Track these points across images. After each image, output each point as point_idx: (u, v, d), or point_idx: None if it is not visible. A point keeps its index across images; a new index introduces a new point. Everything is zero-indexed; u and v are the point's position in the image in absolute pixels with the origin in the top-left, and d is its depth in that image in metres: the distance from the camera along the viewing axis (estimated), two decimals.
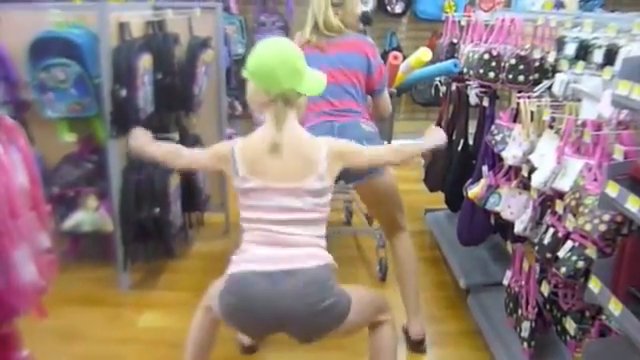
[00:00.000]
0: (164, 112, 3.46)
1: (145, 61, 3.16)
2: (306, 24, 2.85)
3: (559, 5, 5.64)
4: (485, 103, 3.17)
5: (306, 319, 1.98)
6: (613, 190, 1.71)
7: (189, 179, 3.64)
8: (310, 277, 1.97)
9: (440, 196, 3.84)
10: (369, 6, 5.56)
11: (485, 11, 5.01)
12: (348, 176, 2.71)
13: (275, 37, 2.15)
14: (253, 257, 2.01)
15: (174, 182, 3.40)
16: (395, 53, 3.26)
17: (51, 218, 3.25)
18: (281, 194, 2.01)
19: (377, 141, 2.78)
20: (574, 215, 2.02)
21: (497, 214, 2.81)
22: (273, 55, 2.03)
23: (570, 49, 2.39)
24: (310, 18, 2.85)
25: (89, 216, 3.32)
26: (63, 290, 3.29)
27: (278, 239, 2.02)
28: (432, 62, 3.55)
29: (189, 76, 3.48)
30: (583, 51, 2.33)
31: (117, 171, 3.23)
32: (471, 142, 3.54)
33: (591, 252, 1.94)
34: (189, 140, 3.70)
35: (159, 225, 3.27)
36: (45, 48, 3.03)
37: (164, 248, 3.37)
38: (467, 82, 3.32)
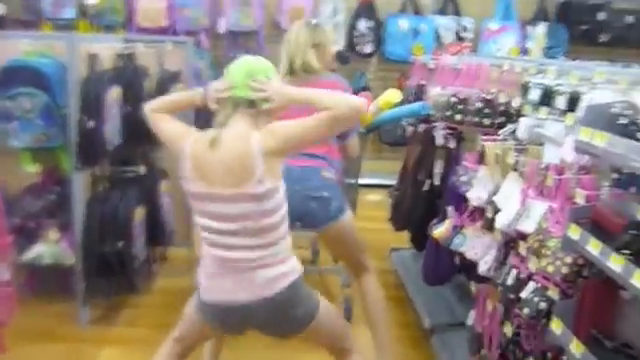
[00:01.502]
0: (131, 145, 3.44)
1: (114, 93, 3.14)
2: (280, 65, 2.86)
3: (524, 52, 5.82)
4: (452, 145, 3.22)
5: (276, 327, 2.10)
6: (575, 233, 1.74)
7: (153, 212, 3.60)
8: (275, 306, 2.01)
9: (406, 235, 3.86)
10: (339, 46, 5.64)
11: (452, 54, 5.12)
12: (304, 224, 2.72)
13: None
14: (214, 285, 2.04)
15: (139, 215, 3.36)
16: (365, 93, 3.31)
17: (12, 249, 3.19)
18: (223, 201, 1.98)
19: (335, 189, 2.80)
20: (537, 257, 2.04)
21: (462, 254, 2.84)
22: (242, 64, 2.10)
23: (534, 94, 2.46)
24: (285, 59, 2.85)
25: (50, 248, 3.25)
26: (21, 324, 3.16)
27: (231, 262, 2.01)
28: (400, 103, 3.60)
29: None
30: (547, 97, 2.39)
31: (81, 203, 3.18)
32: (437, 182, 3.57)
33: (553, 293, 1.96)
34: (155, 173, 3.67)
35: (122, 259, 3.21)
36: (13, 76, 3.00)
37: (126, 283, 3.31)
38: (434, 123, 3.37)
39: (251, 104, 2.06)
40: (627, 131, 1.58)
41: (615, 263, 1.55)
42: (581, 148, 1.75)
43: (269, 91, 2.08)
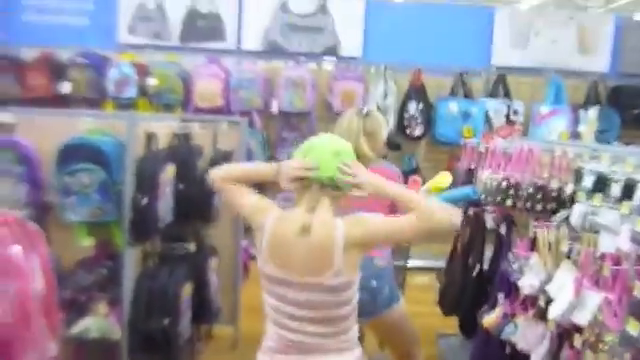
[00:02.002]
0: (182, 222, 3.49)
1: (168, 171, 3.22)
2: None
3: (575, 135, 5.77)
4: (502, 230, 3.17)
5: None
6: (634, 328, 1.68)
7: (201, 290, 3.62)
8: None
9: (454, 320, 3.76)
10: (389, 129, 5.71)
11: (503, 138, 5.12)
12: (359, 311, 2.69)
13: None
14: None
15: (187, 292, 3.38)
16: (415, 177, 3.31)
17: (61, 323, 3.22)
18: (297, 288, 1.93)
19: (386, 278, 2.77)
20: (593, 351, 1.96)
21: (513, 344, 2.75)
22: (326, 143, 2.02)
23: (588, 181, 2.43)
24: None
25: (97, 322, 3.27)
26: None
27: (298, 343, 1.96)
28: (450, 187, 3.59)
29: (210, 188, 3.53)
30: (601, 184, 2.36)
31: (131, 278, 3.22)
32: (487, 267, 3.51)
33: None
34: (205, 251, 3.70)
35: (167, 336, 3.20)
36: (73, 153, 3.11)
37: (170, 359, 3.29)
38: (484, 207, 3.34)
39: (337, 188, 1.99)
40: None
41: None
42: (638, 239, 1.70)
43: (360, 177, 2.01)
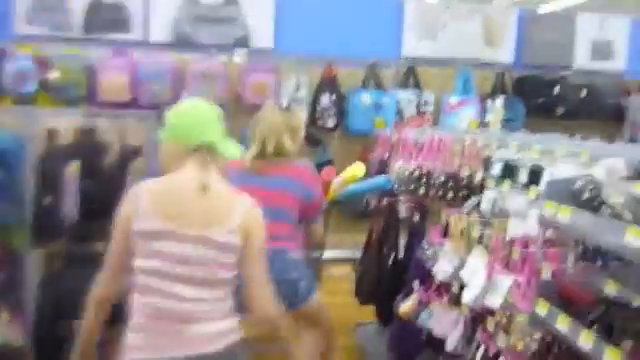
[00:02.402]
0: (90, 220, 3.34)
1: (72, 168, 3.08)
2: (251, 146, 2.82)
3: (484, 124, 5.93)
4: (415, 218, 3.21)
5: None
6: (543, 309, 1.72)
7: None
8: None
9: (371, 309, 3.79)
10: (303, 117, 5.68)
11: (414, 128, 5.20)
12: (282, 302, 2.67)
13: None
14: (147, 340, 1.92)
15: None
16: (329, 168, 3.32)
17: None
18: (185, 241, 1.91)
19: (302, 270, 2.76)
20: (506, 333, 2.01)
21: (428, 330, 2.78)
22: (196, 109, 2.09)
23: (496, 168, 2.48)
24: (257, 141, 2.82)
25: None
26: None
27: (168, 312, 1.89)
28: (364, 176, 3.61)
29: (118, 184, 3.40)
30: (509, 170, 2.41)
31: (33, 283, 3.06)
32: (401, 256, 3.55)
33: None
34: None
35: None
36: None
37: None
38: (398, 197, 3.37)
39: (217, 152, 2.05)
40: (591, 206, 1.58)
41: (586, 340, 1.52)
42: (545, 222, 1.75)
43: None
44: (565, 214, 1.60)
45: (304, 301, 2.74)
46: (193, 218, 1.93)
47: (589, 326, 1.53)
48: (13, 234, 3.11)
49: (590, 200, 1.58)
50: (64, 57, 5.69)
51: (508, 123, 5.84)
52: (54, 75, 5.56)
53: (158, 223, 1.92)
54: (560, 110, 5.91)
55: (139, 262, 1.96)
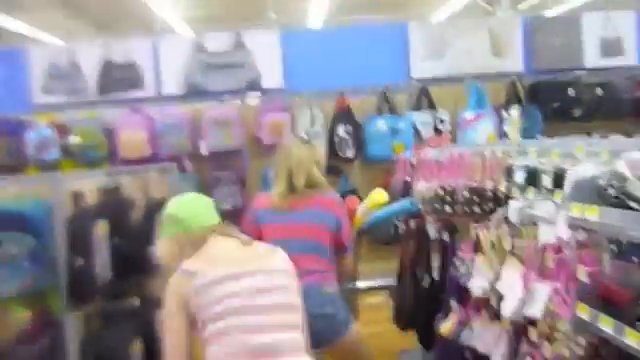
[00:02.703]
0: (123, 277, 3.37)
1: (101, 228, 3.12)
2: (277, 182, 2.85)
3: (502, 135, 5.90)
4: (445, 237, 3.19)
5: None
6: (584, 312, 1.69)
7: (151, 344, 3.48)
8: None
9: (413, 335, 3.75)
10: (322, 151, 5.71)
11: (434, 148, 5.19)
12: (312, 344, 2.65)
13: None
14: None
15: (136, 349, 3.25)
16: (352, 197, 3.32)
17: None
18: (254, 275, 2.03)
19: (338, 303, 2.75)
20: (550, 342, 1.97)
21: (472, 348, 2.74)
22: (193, 198, 2.30)
23: (519, 177, 2.46)
24: (284, 176, 2.84)
25: None
26: None
27: (266, 343, 1.93)
28: (388, 202, 3.60)
29: (147, 239, 3.43)
30: (532, 177, 2.39)
31: (75, 345, 3.08)
32: (436, 276, 3.51)
33: None
34: (151, 304, 3.58)
35: None
36: None
37: None
38: (425, 218, 3.35)
39: None
40: (617, 201, 1.56)
41: (631, 338, 1.48)
42: (575, 224, 1.73)
43: None
44: (593, 213, 1.58)
45: (341, 335, 2.72)
46: (248, 260, 2.09)
47: (633, 324, 1.50)
48: (49, 299, 3.15)
49: (615, 195, 1.56)
50: (82, 121, 5.82)
51: (526, 131, 5.80)
52: (74, 140, 5.68)
53: (222, 270, 2.03)
54: (577, 112, 5.87)
55: (215, 309, 1.99)
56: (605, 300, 1.70)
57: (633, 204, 1.47)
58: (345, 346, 2.76)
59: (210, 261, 2.07)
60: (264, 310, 1.97)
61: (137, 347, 3.28)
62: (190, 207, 2.23)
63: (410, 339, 3.84)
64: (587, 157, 2.07)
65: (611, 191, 1.58)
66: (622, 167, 1.60)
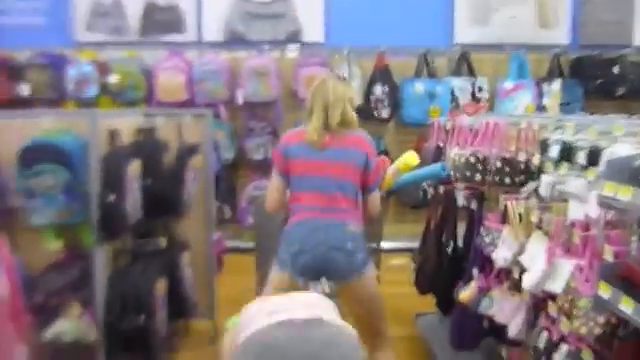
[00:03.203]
0: (152, 217, 3.44)
1: (134, 167, 3.17)
2: (313, 116, 2.80)
3: (540, 109, 5.82)
4: (473, 205, 3.18)
5: None
6: (606, 292, 1.69)
7: (175, 285, 3.58)
8: None
9: (432, 299, 3.78)
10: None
11: (470, 115, 5.14)
12: (329, 276, 2.67)
13: None
14: None
15: (161, 288, 3.34)
16: (383, 157, 3.30)
17: (32, 327, 3.16)
18: None
19: (361, 243, 2.75)
20: (568, 318, 1.98)
21: (490, 317, 2.76)
22: None
23: (554, 151, 2.44)
24: (321, 111, 2.79)
25: (72, 325, 3.21)
26: None
27: None
28: (419, 165, 3.59)
29: (178, 181, 3.50)
30: (566, 153, 2.37)
31: (102, 279, 3.17)
32: (461, 244, 3.52)
33: (587, 356, 1.89)
34: (176, 246, 3.66)
35: (144, 334, 3.17)
36: (35, 155, 3.04)
37: (148, 358, 3.25)
38: (455, 184, 3.35)
39: None
40: None
41: None
42: (606, 203, 1.72)
43: None
44: (626, 194, 1.57)
45: (358, 273, 2.72)
46: None
47: None
48: (82, 232, 3.22)
49: None
50: (122, 60, 5.89)
51: (566, 107, 5.71)
52: (114, 79, 5.75)
53: None
54: (620, 90, 5.75)
55: None
56: (628, 281, 1.69)
57: None
58: (360, 290, 2.75)
59: None
60: None
61: (161, 286, 3.36)
62: None
63: (429, 303, 3.88)
64: (625, 137, 2.04)
65: None
66: None
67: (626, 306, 1.58)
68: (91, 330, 3.22)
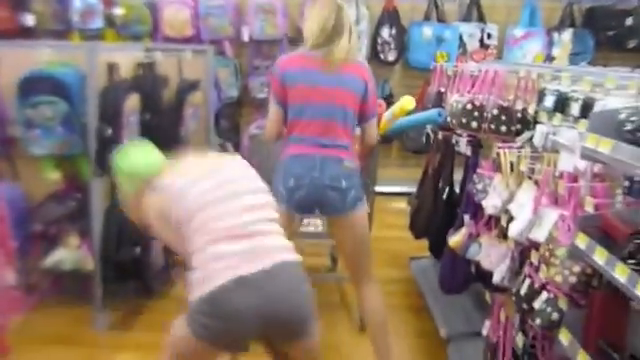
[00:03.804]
0: None
1: (132, 101, 3.19)
2: (316, 35, 2.74)
3: (550, 58, 5.74)
4: (468, 152, 3.19)
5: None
6: (582, 242, 1.71)
7: None
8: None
9: (426, 243, 3.83)
10: (362, 53, 5.64)
11: (476, 62, 5.08)
12: (322, 211, 2.72)
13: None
14: (223, 260, 1.94)
15: None
16: (379, 101, 3.29)
17: (32, 255, 3.24)
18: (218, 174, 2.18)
19: (355, 179, 2.76)
20: (547, 265, 2.01)
21: (477, 263, 2.80)
22: (140, 148, 2.46)
23: (549, 101, 2.42)
24: (322, 34, 2.73)
25: (70, 254, 3.30)
26: (39, 328, 3.25)
27: (245, 229, 2.02)
28: (422, 110, 3.58)
29: (176, 117, 3.51)
30: (561, 104, 2.35)
31: (99, 210, 3.23)
32: (457, 190, 3.54)
33: (562, 303, 1.93)
34: None
35: (139, 265, 3.25)
36: (34, 86, 3.06)
37: (143, 288, 3.34)
38: (454, 131, 3.34)
39: None
40: (632, 138, 1.54)
41: (620, 273, 1.51)
42: (587, 155, 1.72)
43: None
44: (606, 146, 1.57)
45: (350, 209, 2.75)
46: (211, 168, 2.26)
47: (624, 259, 1.52)
48: (80, 164, 3.27)
49: (633, 131, 1.54)
50: None
51: (576, 57, 5.63)
52: (118, 11, 5.69)
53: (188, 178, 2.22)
54: (632, 43, 5.65)
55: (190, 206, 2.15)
56: (605, 233, 1.71)
57: None
58: (351, 222, 2.79)
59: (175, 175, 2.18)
60: (234, 196, 2.07)
61: None
62: (141, 159, 2.34)
63: (423, 247, 3.93)
64: (617, 90, 2.03)
65: (628, 126, 1.56)
66: None
67: (599, 257, 1.61)
68: (89, 260, 3.30)
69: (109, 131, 3.06)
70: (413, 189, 4.08)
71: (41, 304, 3.44)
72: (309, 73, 2.70)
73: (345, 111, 2.74)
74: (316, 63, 2.72)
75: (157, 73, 3.52)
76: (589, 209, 1.84)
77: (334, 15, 2.74)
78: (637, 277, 1.44)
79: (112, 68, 3.19)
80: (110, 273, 3.24)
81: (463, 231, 2.96)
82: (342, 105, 2.73)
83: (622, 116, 1.62)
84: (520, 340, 2.37)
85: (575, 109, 2.23)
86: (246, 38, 5.84)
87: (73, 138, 3.13)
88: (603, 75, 2.15)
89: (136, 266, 3.25)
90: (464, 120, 2.94)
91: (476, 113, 2.91)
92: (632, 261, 1.51)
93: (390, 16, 5.87)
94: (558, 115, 2.33)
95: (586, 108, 2.17)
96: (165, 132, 3.45)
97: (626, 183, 1.93)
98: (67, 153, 3.17)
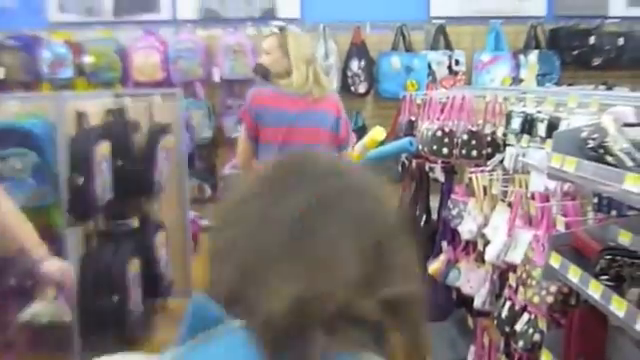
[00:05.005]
0: (124, 198, 3.45)
1: (103, 148, 3.17)
2: (293, 76, 2.73)
3: (518, 81, 5.82)
4: (441, 178, 3.21)
5: None
6: (556, 261, 1.72)
7: (150, 265, 3.59)
8: None
9: None
10: (333, 85, 5.68)
11: (446, 88, 5.12)
12: None
13: None
14: None
15: (134, 268, 3.35)
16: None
17: (7, 310, 3.17)
18: None
19: None
20: (524, 287, 2.01)
21: (458, 288, 2.80)
22: None
23: (516, 123, 2.45)
24: (303, 66, 2.73)
25: (47, 307, 3.22)
26: None
27: None
28: (394, 139, 3.61)
29: (149, 162, 3.49)
30: (528, 125, 2.38)
31: (75, 260, 3.18)
32: (435, 217, 3.55)
33: (541, 324, 1.92)
34: (150, 225, 3.66)
35: (118, 313, 3.19)
36: (2, 138, 3.03)
37: (124, 337, 3.28)
38: (427, 158, 3.36)
39: None
40: (596, 155, 1.56)
41: (594, 289, 1.52)
42: (553, 175, 1.74)
43: None
44: (570, 165, 1.58)
45: None
46: None
47: (597, 276, 1.53)
48: (52, 214, 3.23)
49: (594, 149, 1.56)
50: (97, 41, 5.81)
51: (543, 78, 5.71)
52: (88, 60, 5.68)
53: None
54: (597, 61, 5.74)
55: None
56: (577, 251, 1.72)
57: (610, 159, 1.47)
58: None
59: None
60: None
61: (135, 266, 3.38)
62: None
63: None
64: (579, 108, 2.06)
65: (591, 144, 1.58)
66: (606, 120, 1.59)
67: (573, 275, 1.61)
68: (66, 311, 3.23)
69: (81, 180, 3.03)
70: None
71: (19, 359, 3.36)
72: (283, 114, 2.71)
73: (317, 148, 2.76)
74: (291, 102, 2.74)
75: (127, 118, 3.51)
76: (561, 228, 1.85)
77: (304, 48, 2.78)
78: (611, 293, 1.44)
79: (81, 116, 3.18)
80: (89, 324, 3.18)
81: (442, 258, 2.97)
82: (318, 143, 2.75)
83: (584, 134, 1.64)
84: None
85: (541, 129, 2.26)
86: (217, 79, 5.86)
87: (45, 189, 3.10)
88: (566, 94, 2.18)
89: (115, 315, 3.19)
90: (435, 147, 2.97)
91: (446, 139, 2.94)
92: (604, 277, 1.52)
93: (358, 49, 5.92)
94: (526, 136, 2.36)
95: (552, 128, 2.20)
96: (139, 177, 3.43)
97: (595, 200, 1.94)
98: (39, 204, 3.13)
